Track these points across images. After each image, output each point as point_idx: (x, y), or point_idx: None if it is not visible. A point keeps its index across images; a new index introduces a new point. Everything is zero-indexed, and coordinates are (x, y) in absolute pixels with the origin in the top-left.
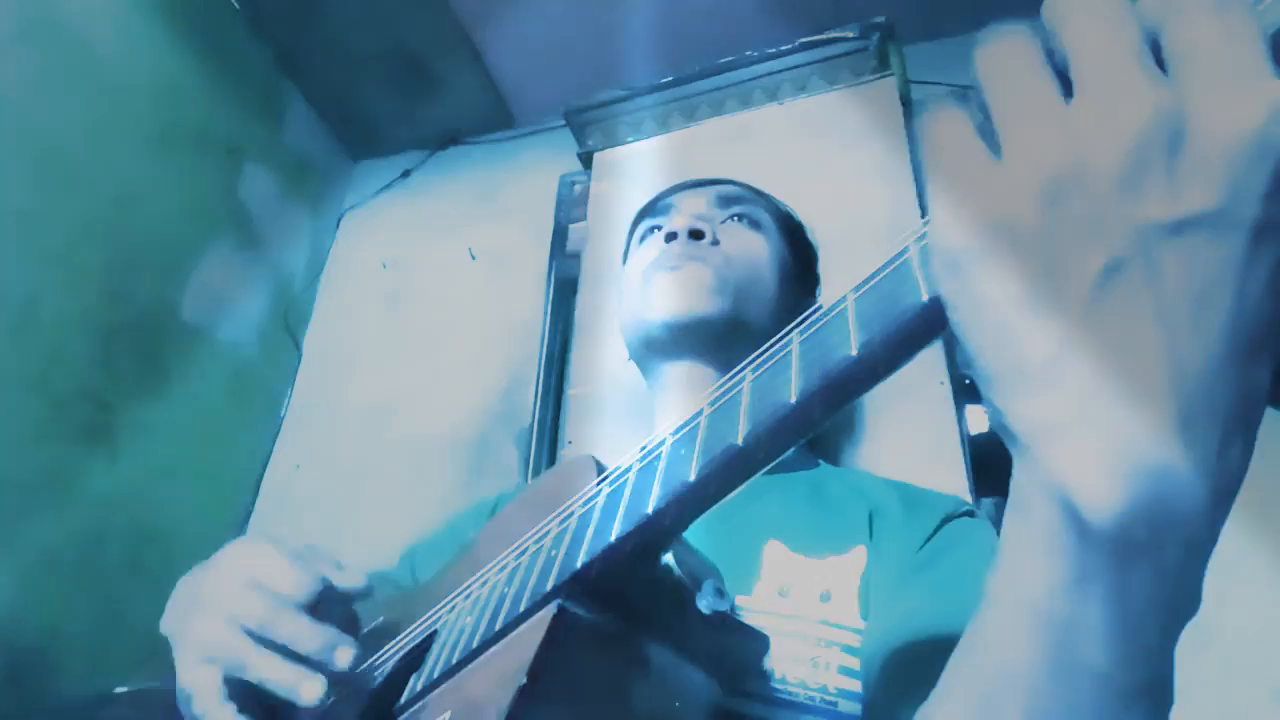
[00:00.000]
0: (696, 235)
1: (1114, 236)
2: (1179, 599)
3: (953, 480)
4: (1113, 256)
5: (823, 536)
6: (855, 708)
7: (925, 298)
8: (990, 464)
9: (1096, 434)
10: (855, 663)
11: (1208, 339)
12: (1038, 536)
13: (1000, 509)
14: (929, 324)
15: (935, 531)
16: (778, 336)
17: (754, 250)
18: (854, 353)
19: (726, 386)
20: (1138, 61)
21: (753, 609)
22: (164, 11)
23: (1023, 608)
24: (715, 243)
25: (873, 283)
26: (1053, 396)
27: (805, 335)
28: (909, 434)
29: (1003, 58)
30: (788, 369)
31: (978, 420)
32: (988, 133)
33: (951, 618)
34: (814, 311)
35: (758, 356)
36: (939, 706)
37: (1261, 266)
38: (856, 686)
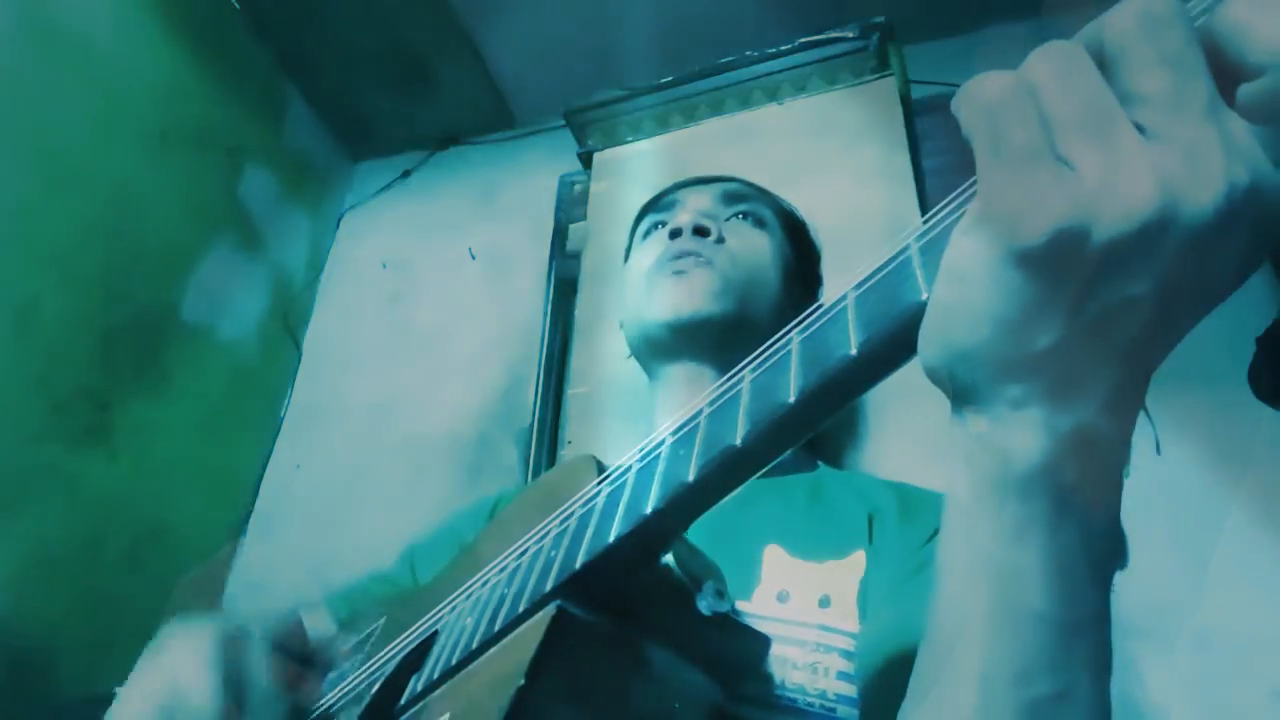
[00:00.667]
0: (701, 232)
1: (1149, 281)
2: (1103, 544)
3: None
4: (1139, 294)
5: (822, 541)
6: (853, 713)
7: (925, 296)
8: None
9: (1044, 408)
10: (853, 668)
11: (1150, 356)
12: (985, 489)
13: None
14: None
15: (934, 535)
16: (778, 335)
17: (758, 248)
18: (854, 352)
19: (726, 386)
20: (1216, 124)
21: (752, 614)
22: (164, 11)
23: (974, 563)
24: (720, 240)
25: (873, 281)
26: (1024, 386)
27: (805, 334)
28: (909, 434)
29: (1073, 70)
30: (787, 368)
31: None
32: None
33: None
34: (815, 310)
35: (758, 355)
36: (914, 683)
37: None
38: (855, 692)
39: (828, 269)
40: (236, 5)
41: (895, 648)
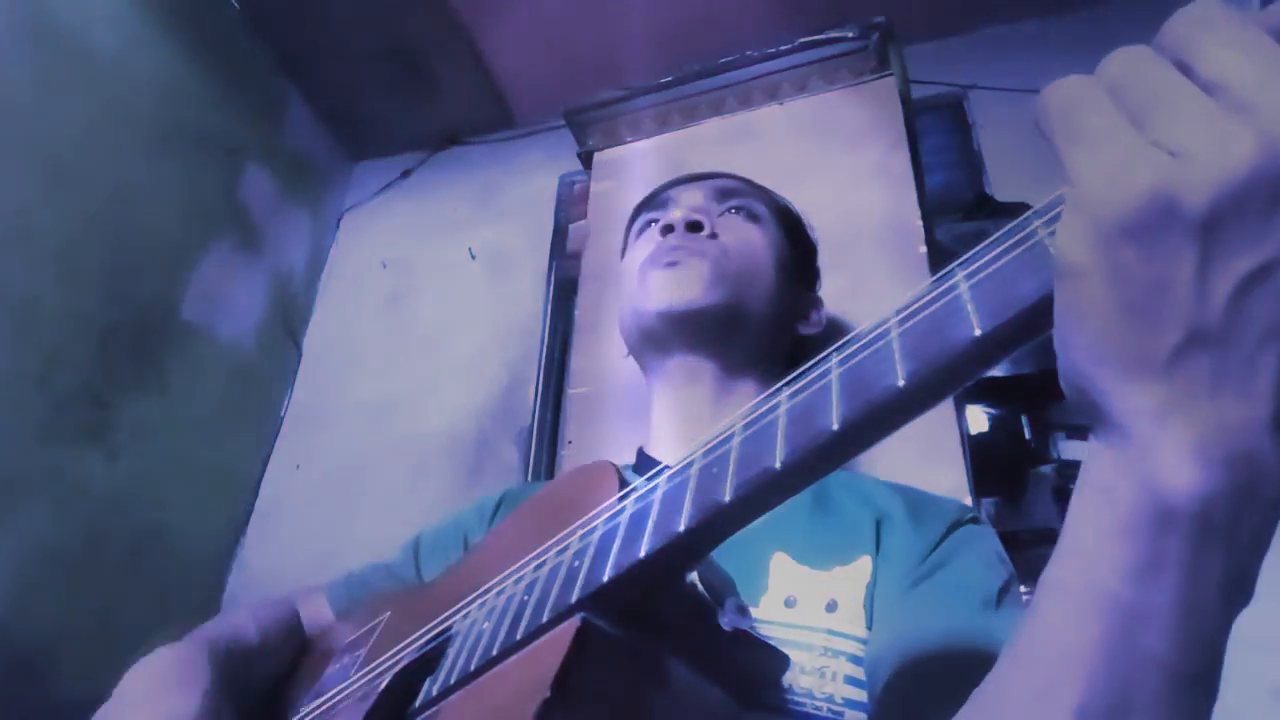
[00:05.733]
0: (694, 228)
1: (1275, 242)
2: (1240, 589)
3: (953, 480)
4: (1268, 260)
5: (828, 547)
6: (861, 717)
7: (978, 332)
8: (990, 464)
9: (1195, 422)
10: (861, 673)
11: None
12: (1118, 520)
13: (1000, 509)
14: (979, 359)
15: (941, 540)
16: (813, 362)
17: (751, 242)
18: (901, 383)
19: (760, 410)
20: None
21: (760, 620)
22: (164, 12)
23: (1089, 594)
24: (713, 235)
25: (919, 314)
26: (1165, 386)
27: (845, 363)
28: (909, 434)
29: (1142, 63)
30: (828, 394)
31: (978, 420)
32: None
33: (957, 627)
34: (852, 338)
35: (792, 380)
36: (986, 704)
37: None
38: (863, 696)
39: (828, 268)
40: (236, 5)
41: (908, 653)
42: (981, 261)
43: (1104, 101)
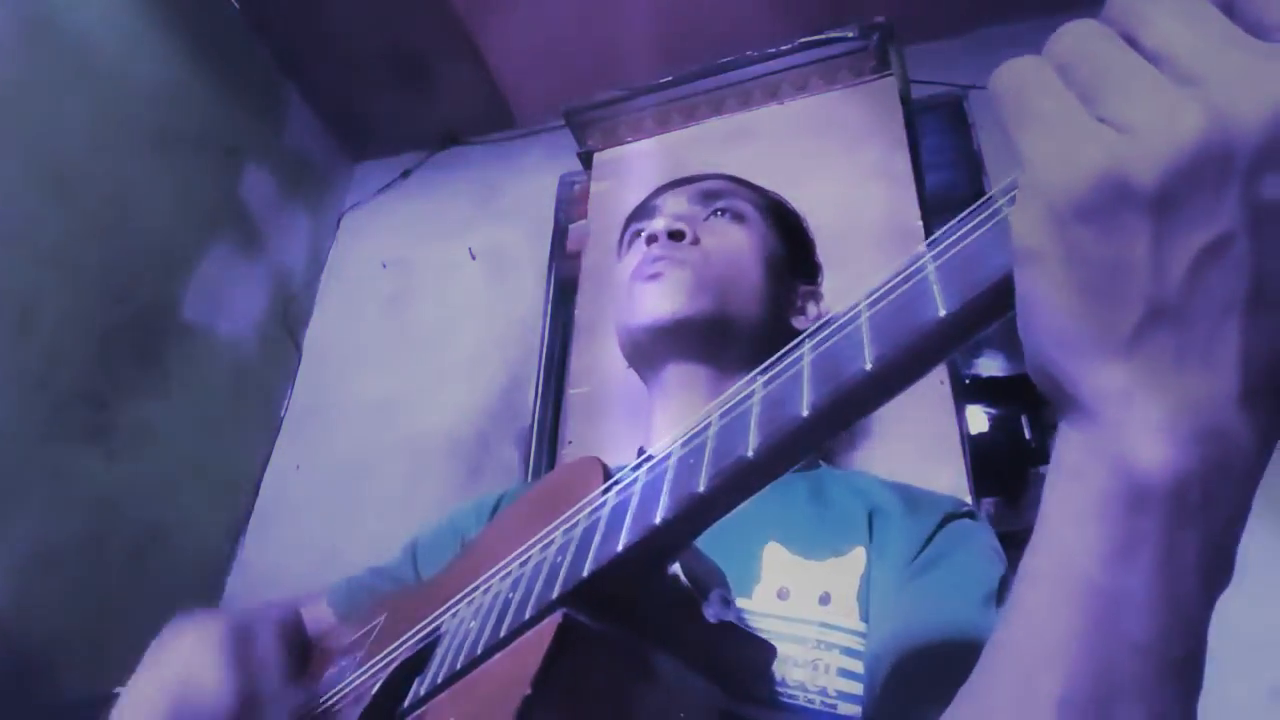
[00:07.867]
0: (676, 236)
1: (1228, 214)
2: (1219, 569)
3: (953, 480)
4: (1222, 233)
5: (822, 538)
6: (855, 710)
7: (943, 312)
8: (990, 464)
9: (1162, 400)
10: (855, 665)
11: (1276, 315)
12: (1090, 504)
13: (1000, 509)
14: (946, 339)
15: (935, 532)
16: (789, 347)
17: (735, 244)
18: (868, 367)
19: (737, 398)
20: (1249, 43)
21: (752, 611)
22: (164, 12)
23: (1067, 581)
24: (695, 242)
25: (888, 296)
26: (1129, 365)
27: (817, 348)
28: (909, 434)
29: (1089, 39)
30: (799, 381)
31: (978, 420)
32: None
33: (955, 622)
34: (826, 322)
35: (768, 367)
36: (971, 701)
37: None
38: (856, 689)
39: (828, 268)
40: (236, 5)
41: (908, 650)
42: (949, 241)
43: (1052, 81)
